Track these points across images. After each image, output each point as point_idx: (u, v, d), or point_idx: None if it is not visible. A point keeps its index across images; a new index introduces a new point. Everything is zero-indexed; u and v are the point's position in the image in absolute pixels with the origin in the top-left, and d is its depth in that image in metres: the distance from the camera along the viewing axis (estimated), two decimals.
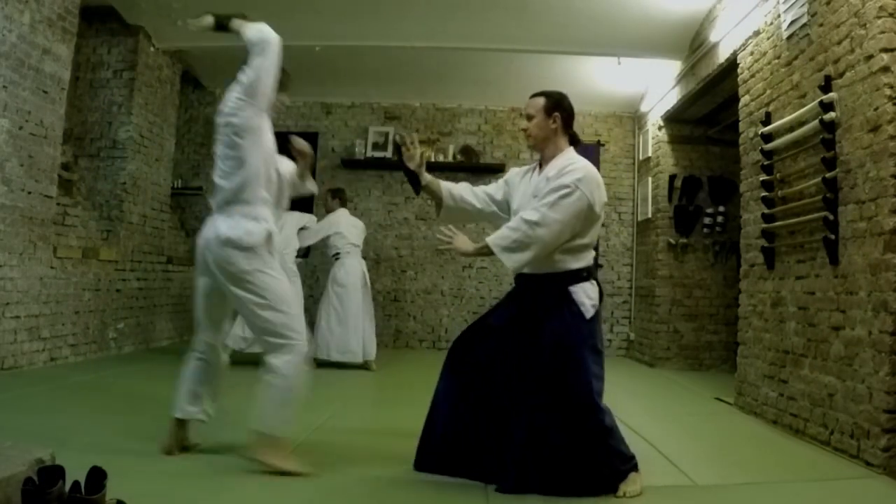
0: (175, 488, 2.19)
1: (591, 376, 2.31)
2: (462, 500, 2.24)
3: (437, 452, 2.47)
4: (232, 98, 2.45)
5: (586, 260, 2.44)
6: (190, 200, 7.18)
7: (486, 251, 2.40)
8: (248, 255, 2.39)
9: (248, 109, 2.43)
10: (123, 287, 5.53)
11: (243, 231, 2.39)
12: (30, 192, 4.23)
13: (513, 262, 2.33)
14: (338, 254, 5.49)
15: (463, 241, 2.47)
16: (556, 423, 2.28)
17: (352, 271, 5.45)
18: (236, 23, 2.49)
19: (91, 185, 5.57)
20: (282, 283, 2.47)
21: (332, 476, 2.43)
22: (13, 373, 4.07)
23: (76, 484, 1.63)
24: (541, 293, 2.43)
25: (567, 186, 2.32)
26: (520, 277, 2.54)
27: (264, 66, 2.45)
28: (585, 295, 2.38)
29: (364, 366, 5.29)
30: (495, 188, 2.67)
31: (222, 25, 2.51)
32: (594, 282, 2.45)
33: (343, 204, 5.68)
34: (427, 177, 2.61)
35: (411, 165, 2.55)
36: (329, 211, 5.64)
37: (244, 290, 2.40)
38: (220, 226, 2.42)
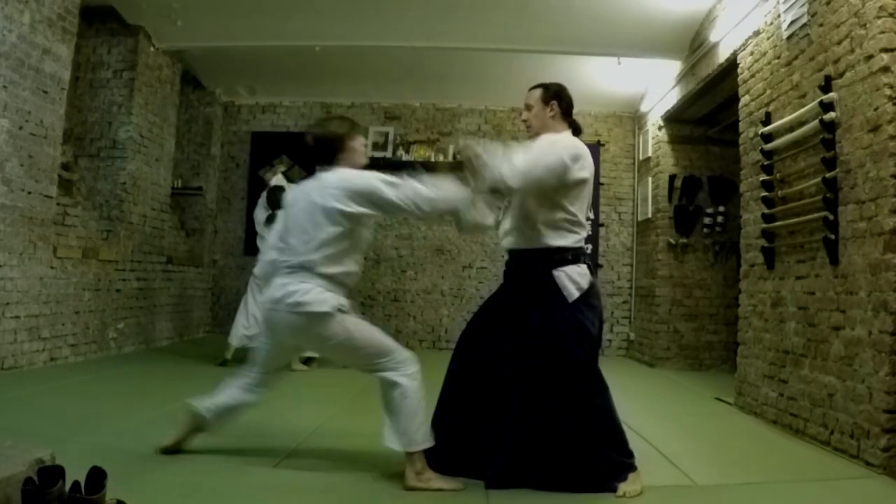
0: (175, 488, 2.18)
1: (578, 360, 2.31)
2: (462, 500, 2.24)
3: (442, 447, 2.47)
4: (369, 192, 2.34)
5: (571, 240, 2.41)
6: (190, 200, 7.18)
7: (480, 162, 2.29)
8: (321, 320, 2.33)
9: (368, 210, 2.36)
10: (123, 287, 5.53)
11: (318, 297, 2.33)
12: (30, 192, 4.23)
13: (491, 171, 2.25)
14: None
15: (475, 149, 2.35)
16: (544, 414, 2.28)
17: None
18: (477, 174, 2.32)
19: (91, 185, 5.57)
20: (362, 330, 2.43)
21: (332, 476, 2.43)
22: (13, 373, 4.07)
23: (76, 484, 1.63)
24: (526, 279, 2.44)
25: (544, 142, 2.40)
26: (509, 259, 2.56)
27: (412, 212, 2.37)
28: (569, 279, 2.36)
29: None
30: None
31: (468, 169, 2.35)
32: (582, 265, 2.42)
33: None
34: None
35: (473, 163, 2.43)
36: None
37: (330, 348, 2.44)
38: (292, 288, 2.35)
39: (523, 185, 2.30)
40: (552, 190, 2.36)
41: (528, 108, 2.55)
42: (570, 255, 2.40)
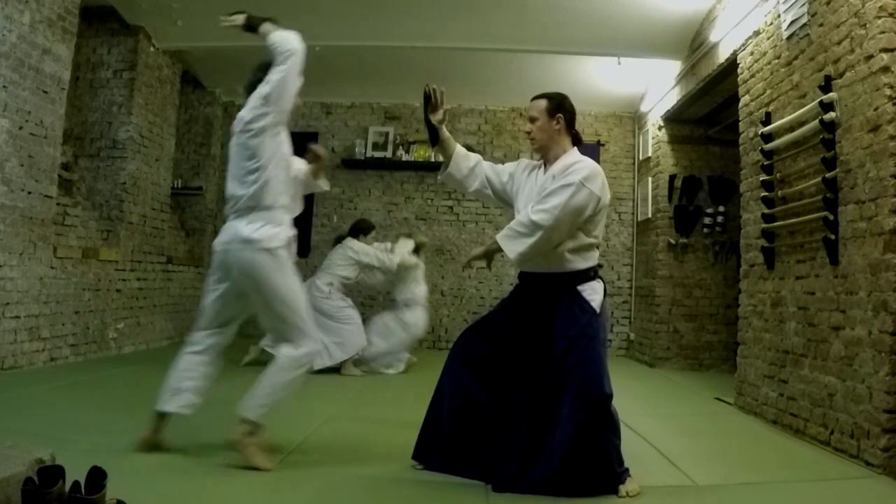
0: (175, 487, 2.18)
1: (604, 370, 2.33)
2: (462, 500, 2.24)
3: (440, 449, 2.47)
4: (253, 104, 2.48)
5: (594, 259, 2.48)
6: (190, 200, 7.18)
7: (494, 247, 2.41)
8: (270, 257, 2.43)
9: (270, 116, 2.46)
10: (123, 287, 5.53)
11: (266, 234, 2.43)
12: (30, 192, 4.23)
13: (513, 250, 2.33)
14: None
15: (475, 251, 2.50)
16: (567, 418, 2.27)
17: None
18: (266, 27, 2.51)
19: (91, 185, 5.57)
20: (298, 287, 2.52)
21: (332, 475, 2.43)
22: (13, 373, 4.07)
23: (76, 484, 1.63)
24: (550, 292, 2.45)
25: (573, 184, 2.34)
26: (527, 278, 2.55)
27: (288, 74, 2.45)
28: (593, 291, 2.43)
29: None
30: (497, 174, 2.67)
31: (251, 27, 2.53)
32: (599, 281, 2.49)
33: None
34: (445, 133, 2.63)
35: (433, 119, 2.55)
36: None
37: (264, 291, 2.45)
38: (241, 229, 2.45)
39: (556, 238, 2.35)
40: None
41: (533, 120, 2.52)
42: (591, 273, 2.46)
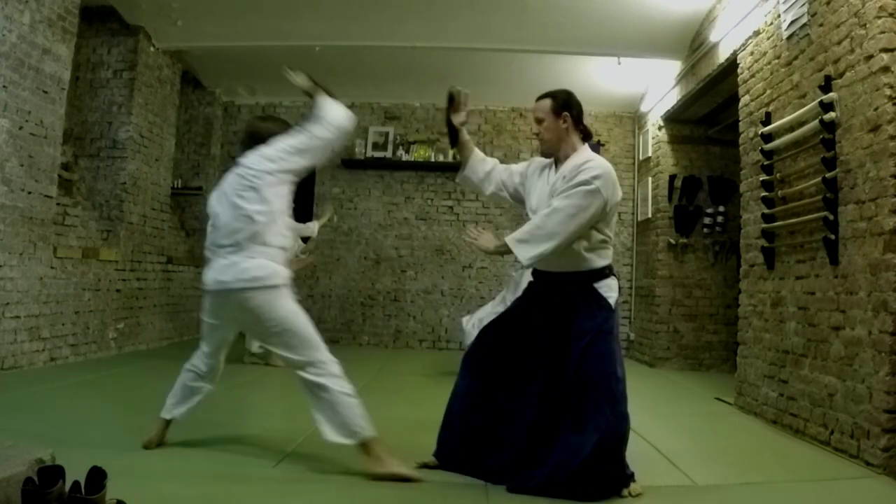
0: (175, 488, 2.18)
1: (619, 366, 2.33)
2: (462, 500, 2.24)
3: (456, 450, 2.47)
4: (282, 148, 2.50)
5: (608, 257, 2.47)
6: (190, 200, 7.18)
7: (504, 248, 2.38)
8: (273, 293, 2.44)
9: (291, 162, 2.49)
10: (123, 287, 5.53)
11: (269, 272, 2.44)
12: (30, 192, 4.23)
13: (525, 254, 2.30)
14: None
15: (487, 240, 2.45)
16: (584, 417, 2.26)
17: None
18: (321, 96, 2.56)
19: (91, 185, 5.57)
20: (297, 310, 2.50)
21: (333, 476, 2.43)
22: (13, 373, 4.07)
23: (76, 484, 1.63)
24: (566, 291, 2.44)
25: (586, 183, 2.31)
26: (543, 277, 2.53)
27: (326, 142, 2.51)
28: (609, 288, 2.43)
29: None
30: (510, 176, 2.66)
31: (309, 93, 2.59)
32: (614, 279, 2.48)
33: None
34: (465, 136, 2.63)
35: (455, 120, 2.55)
36: None
37: (268, 326, 2.45)
38: (241, 265, 2.44)
39: (569, 239, 2.33)
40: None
41: (539, 121, 2.47)
42: (606, 271, 2.45)
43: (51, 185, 4.46)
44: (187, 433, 2.70)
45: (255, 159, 2.51)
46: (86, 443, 2.61)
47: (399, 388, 4.75)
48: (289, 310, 2.46)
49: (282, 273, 2.47)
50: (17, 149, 4.09)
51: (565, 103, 2.46)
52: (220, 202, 2.55)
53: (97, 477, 1.66)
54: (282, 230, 2.52)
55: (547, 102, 2.46)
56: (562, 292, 2.45)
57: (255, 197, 2.46)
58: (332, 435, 2.39)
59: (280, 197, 2.50)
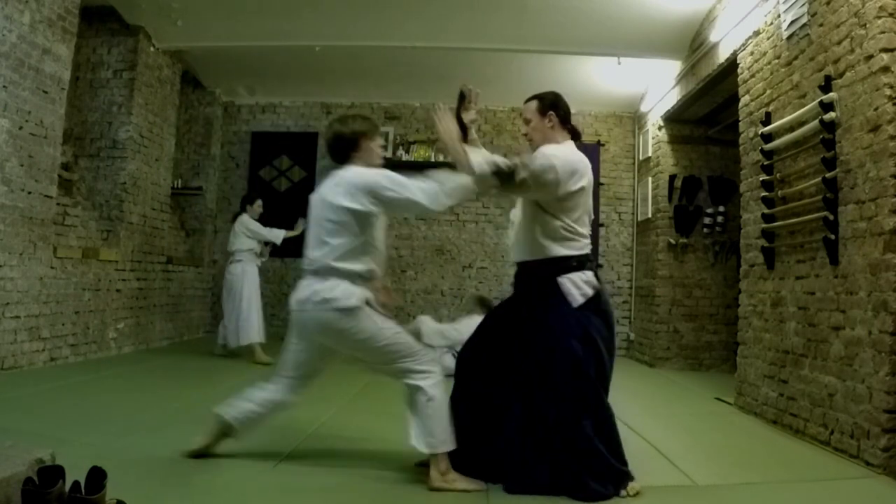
0: (175, 488, 2.19)
1: (580, 362, 2.31)
2: (462, 500, 2.24)
3: (456, 455, 2.47)
4: (377, 184, 2.36)
5: (575, 249, 2.43)
6: (190, 200, 7.18)
7: (460, 155, 2.30)
8: (345, 315, 2.34)
9: (377, 210, 2.40)
10: (123, 287, 5.53)
11: (342, 293, 2.35)
12: (30, 192, 4.23)
13: (475, 157, 2.28)
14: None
15: (448, 128, 2.36)
16: (548, 418, 2.28)
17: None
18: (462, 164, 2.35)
19: (91, 185, 5.57)
20: (388, 326, 2.43)
21: (333, 476, 2.43)
22: (13, 373, 4.07)
23: (76, 484, 1.63)
24: (530, 286, 2.46)
25: (544, 156, 2.36)
26: (516, 270, 2.58)
27: (415, 208, 2.38)
28: (573, 284, 2.38)
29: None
30: None
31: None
32: (588, 272, 2.44)
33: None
34: (473, 135, 2.61)
35: (466, 118, 2.54)
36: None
37: (350, 345, 2.41)
38: (316, 288, 2.38)
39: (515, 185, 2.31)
40: (546, 202, 2.39)
41: (527, 121, 2.55)
42: (574, 263, 2.42)
43: (51, 185, 4.46)
44: (186, 432, 2.69)
45: (344, 185, 2.37)
46: (86, 443, 2.61)
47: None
48: (371, 328, 2.36)
49: (358, 294, 2.36)
50: (17, 149, 4.09)
51: (551, 104, 2.53)
52: (315, 215, 2.46)
53: (97, 477, 1.66)
54: (362, 261, 2.41)
55: (533, 104, 2.55)
56: (529, 287, 2.47)
57: (337, 222, 2.37)
58: (413, 438, 2.35)
59: (371, 230, 2.42)
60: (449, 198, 2.35)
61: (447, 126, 2.35)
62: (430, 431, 2.32)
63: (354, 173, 2.42)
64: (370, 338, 2.36)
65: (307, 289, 2.39)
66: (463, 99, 2.54)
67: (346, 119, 2.58)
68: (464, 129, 2.56)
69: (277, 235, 5.56)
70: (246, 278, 5.48)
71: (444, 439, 2.33)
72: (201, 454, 2.51)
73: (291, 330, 2.50)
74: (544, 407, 2.30)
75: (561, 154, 2.41)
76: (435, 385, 2.37)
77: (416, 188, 2.33)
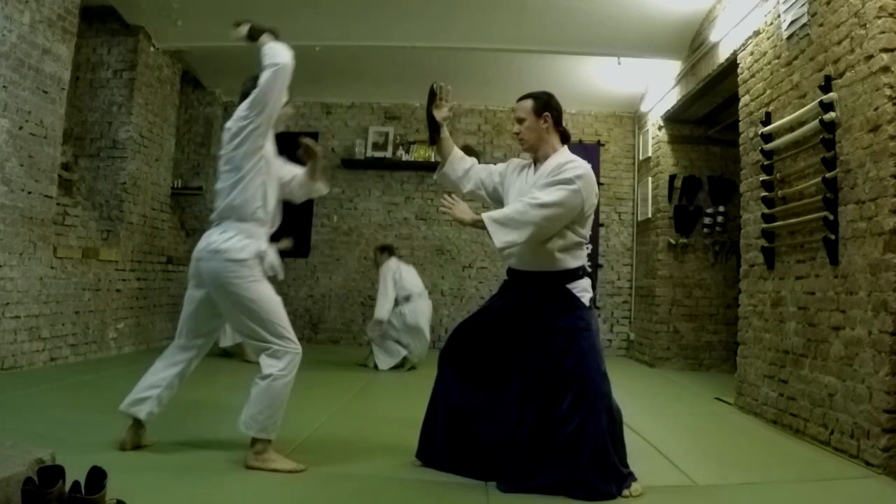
0: (175, 487, 2.19)
1: (601, 362, 2.35)
2: (462, 500, 2.24)
3: (438, 448, 2.48)
4: (237, 114, 2.51)
5: (582, 258, 2.49)
6: (190, 200, 7.18)
7: (480, 224, 2.38)
8: (238, 267, 2.43)
9: (251, 124, 2.47)
10: (123, 287, 5.53)
11: (234, 245, 2.44)
12: (30, 192, 4.23)
13: (501, 239, 2.31)
14: (408, 296, 5.51)
15: (462, 210, 2.44)
16: (568, 415, 2.27)
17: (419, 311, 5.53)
18: (263, 38, 2.53)
19: (91, 185, 5.57)
20: (270, 297, 2.49)
21: (333, 474, 2.43)
22: (13, 373, 4.07)
23: (76, 484, 1.63)
24: (540, 291, 2.45)
25: (568, 182, 2.35)
26: (516, 276, 2.55)
27: (271, 85, 2.46)
28: (583, 289, 2.45)
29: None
30: (489, 175, 2.69)
31: (252, 37, 2.55)
32: (587, 279, 2.51)
33: (391, 254, 5.66)
34: (445, 133, 2.65)
35: (438, 115, 2.57)
36: (379, 265, 5.62)
37: (232, 301, 2.45)
38: (213, 238, 2.49)
39: (545, 231, 2.35)
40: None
41: (520, 120, 2.53)
42: (580, 272, 2.47)
43: (51, 185, 4.46)
44: (186, 433, 2.70)
45: (225, 130, 2.54)
46: (86, 443, 2.61)
47: (399, 387, 4.76)
48: (250, 290, 2.44)
49: (249, 248, 2.45)
50: (17, 149, 4.09)
51: (546, 104, 2.52)
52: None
53: (97, 477, 1.66)
54: (258, 202, 2.49)
55: (528, 103, 2.53)
56: (536, 292, 2.46)
57: (227, 167, 2.49)
58: (242, 422, 2.42)
59: (251, 166, 2.48)
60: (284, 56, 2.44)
61: (459, 213, 2.41)
62: (263, 419, 2.39)
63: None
64: (249, 302, 2.42)
65: (204, 239, 2.51)
66: (434, 96, 2.55)
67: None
68: (435, 126, 2.58)
69: None
70: None
71: (271, 428, 2.41)
72: (135, 447, 2.55)
73: (190, 280, 2.59)
74: (565, 409, 2.28)
75: (582, 169, 2.39)
76: (286, 374, 2.43)
77: (260, 80, 2.45)
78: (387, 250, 5.68)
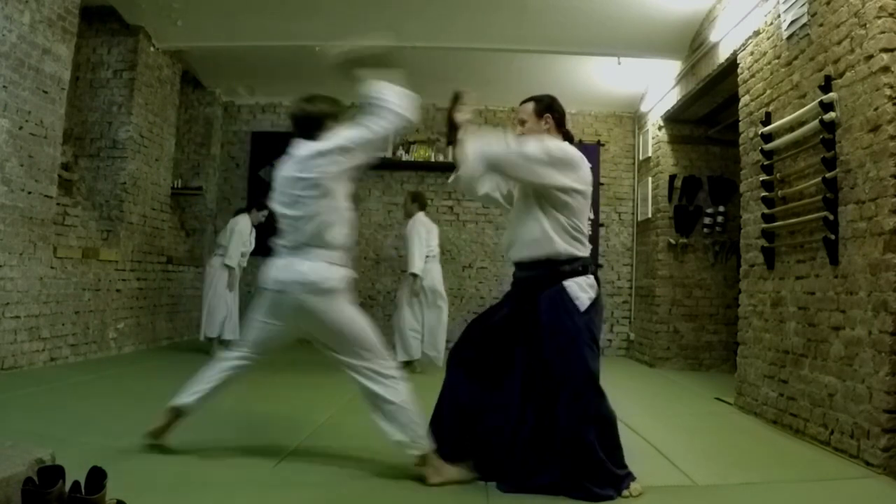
0: (175, 487, 2.19)
1: (588, 369, 2.32)
2: (462, 500, 2.24)
3: (444, 446, 2.48)
4: (340, 140, 2.43)
5: (580, 250, 2.44)
6: (190, 200, 7.18)
7: (464, 130, 2.44)
8: (329, 297, 2.38)
9: (357, 160, 2.43)
10: (123, 287, 5.53)
11: (326, 275, 2.38)
12: (30, 192, 4.23)
13: (474, 146, 2.36)
14: (429, 256, 5.46)
15: (463, 115, 2.48)
16: (561, 418, 2.28)
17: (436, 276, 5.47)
18: (373, 81, 2.49)
19: (91, 185, 5.57)
20: (356, 316, 2.46)
21: (333, 475, 2.43)
22: (13, 373, 4.07)
23: (76, 484, 1.63)
24: (537, 288, 2.44)
25: (548, 148, 2.39)
26: (518, 269, 2.56)
27: (391, 132, 2.44)
28: (580, 289, 2.39)
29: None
30: (505, 178, 2.68)
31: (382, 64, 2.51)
32: (590, 276, 2.45)
33: (422, 208, 5.58)
34: (463, 136, 2.61)
35: (458, 118, 2.55)
36: (409, 216, 5.55)
37: (329, 325, 2.41)
38: (301, 268, 2.39)
39: (482, 165, 2.39)
40: (551, 199, 2.39)
41: (522, 122, 2.55)
42: (579, 266, 2.42)
43: (51, 185, 4.46)
44: (186, 432, 2.69)
45: (309, 157, 2.40)
46: (86, 443, 2.61)
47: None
48: (342, 315, 2.39)
49: (340, 275, 2.40)
50: (17, 149, 4.09)
51: (547, 106, 2.54)
52: (280, 192, 2.47)
53: (97, 477, 1.66)
54: (336, 235, 2.43)
55: (530, 105, 2.56)
56: (533, 290, 2.45)
57: (314, 195, 2.38)
58: (396, 435, 2.37)
59: (340, 196, 2.43)
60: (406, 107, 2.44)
61: (462, 116, 2.45)
62: (409, 426, 2.36)
63: (316, 143, 2.44)
64: (343, 323, 2.39)
65: (286, 268, 2.40)
66: (457, 101, 2.55)
67: (314, 99, 2.62)
68: (455, 129, 2.58)
69: (232, 257, 5.64)
70: (222, 273, 5.66)
71: (423, 434, 2.37)
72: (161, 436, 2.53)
73: (265, 309, 2.49)
74: (556, 412, 2.29)
75: (556, 143, 2.42)
76: (393, 377, 2.42)
77: (374, 125, 2.42)
78: (418, 201, 5.55)
